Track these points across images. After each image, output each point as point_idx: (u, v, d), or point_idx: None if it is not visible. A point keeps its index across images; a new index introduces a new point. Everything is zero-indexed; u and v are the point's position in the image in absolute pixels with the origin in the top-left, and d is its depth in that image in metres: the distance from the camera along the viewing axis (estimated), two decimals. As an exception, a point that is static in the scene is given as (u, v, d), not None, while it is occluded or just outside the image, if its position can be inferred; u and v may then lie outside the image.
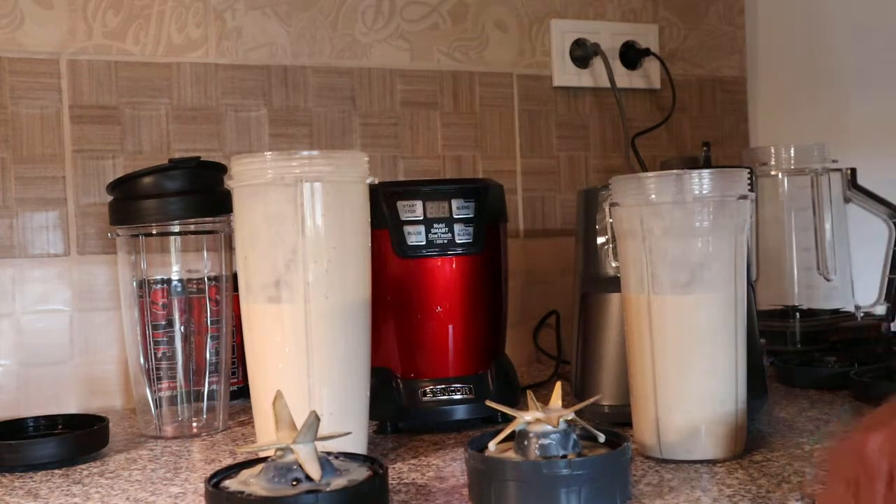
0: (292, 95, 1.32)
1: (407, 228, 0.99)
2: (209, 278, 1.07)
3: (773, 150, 1.40)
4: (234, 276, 0.92)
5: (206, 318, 1.07)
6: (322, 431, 0.71)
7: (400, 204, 0.99)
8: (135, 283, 1.06)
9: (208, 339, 1.07)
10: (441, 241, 0.99)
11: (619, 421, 0.92)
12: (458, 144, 1.42)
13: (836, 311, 1.37)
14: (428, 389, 0.99)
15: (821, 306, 1.37)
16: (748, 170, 0.88)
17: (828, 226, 1.38)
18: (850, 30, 1.65)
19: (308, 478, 0.68)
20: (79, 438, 0.95)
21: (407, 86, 1.39)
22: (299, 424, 0.70)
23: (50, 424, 1.01)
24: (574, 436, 0.72)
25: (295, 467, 0.68)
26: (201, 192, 1.05)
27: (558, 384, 0.77)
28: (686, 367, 0.84)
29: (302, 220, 0.82)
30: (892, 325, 1.36)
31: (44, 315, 1.18)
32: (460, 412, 0.99)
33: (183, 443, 1.01)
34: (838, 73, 1.67)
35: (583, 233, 1.03)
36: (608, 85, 1.44)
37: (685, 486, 0.77)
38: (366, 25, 1.36)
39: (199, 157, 1.07)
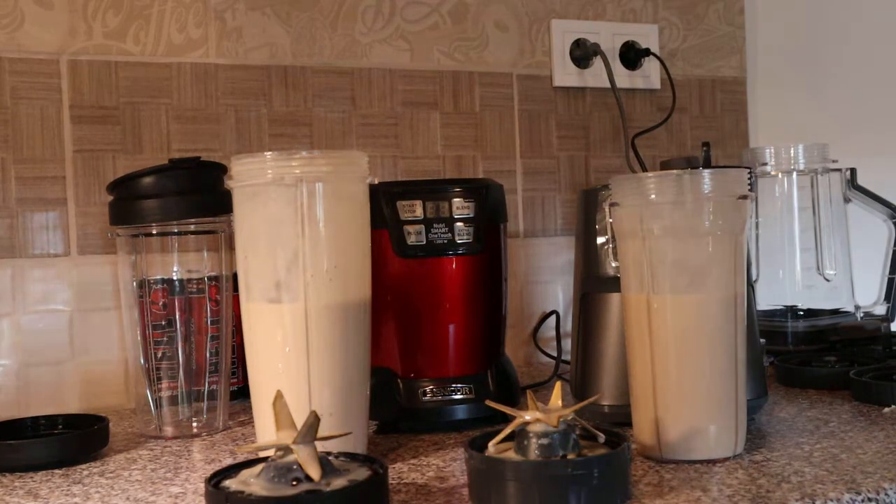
0: (292, 95, 1.32)
1: (407, 228, 0.99)
2: (209, 278, 1.07)
3: (773, 150, 1.40)
4: (234, 276, 0.92)
5: (206, 318, 1.07)
6: (322, 431, 0.71)
7: (400, 204, 0.99)
8: (135, 283, 1.06)
9: (208, 339, 1.07)
10: (441, 241, 0.99)
11: (619, 421, 0.92)
12: (458, 144, 1.42)
13: (836, 311, 1.37)
14: (428, 389, 0.99)
15: (821, 306, 1.37)
16: (748, 170, 0.88)
17: (828, 226, 1.38)
18: (849, 30, 1.65)
19: (308, 478, 0.68)
20: (79, 438, 0.95)
21: (407, 86, 1.39)
22: (299, 424, 0.70)
23: (50, 424, 1.01)
24: (574, 436, 0.72)
25: (295, 467, 0.68)
26: (201, 192, 1.05)
27: (558, 384, 0.77)
28: (686, 367, 0.84)
29: (302, 220, 0.82)
30: (892, 324, 1.36)
31: (44, 315, 1.18)
32: (460, 412, 0.99)
33: (183, 443, 1.01)
34: (838, 72, 1.67)
35: (583, 233, 1.03)
36: (608, 85, 1.44)
37: (685, 486, 0.76)
38: (366, 25, 1.36)
39: (199, 157, 1.07)
